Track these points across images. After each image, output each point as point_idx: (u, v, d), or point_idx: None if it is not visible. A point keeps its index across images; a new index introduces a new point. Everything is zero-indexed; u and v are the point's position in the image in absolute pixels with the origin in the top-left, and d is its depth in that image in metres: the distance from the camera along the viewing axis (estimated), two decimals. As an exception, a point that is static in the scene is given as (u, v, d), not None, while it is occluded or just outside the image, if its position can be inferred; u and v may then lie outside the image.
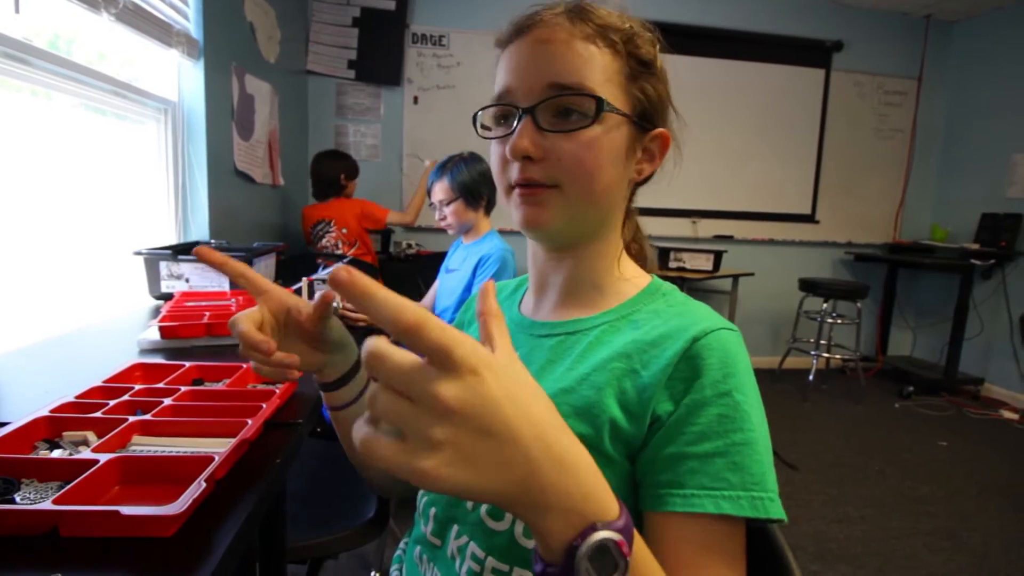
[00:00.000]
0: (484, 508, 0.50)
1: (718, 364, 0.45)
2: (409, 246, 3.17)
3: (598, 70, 0.49)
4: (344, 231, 2.60)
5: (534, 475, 0.29)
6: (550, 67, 0.48)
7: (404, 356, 0.27)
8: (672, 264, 3.15)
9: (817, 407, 3.25)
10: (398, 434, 0.27)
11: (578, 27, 0.49)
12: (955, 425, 3.05)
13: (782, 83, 3.75)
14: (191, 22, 1.87)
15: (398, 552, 0.65)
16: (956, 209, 3.92)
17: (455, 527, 0.53)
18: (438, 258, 2.22)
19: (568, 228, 0.52)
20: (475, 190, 1.77)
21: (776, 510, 0.42)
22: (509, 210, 0.53)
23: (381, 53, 3.29)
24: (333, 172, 2.63)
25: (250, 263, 1.49)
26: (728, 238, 3.80)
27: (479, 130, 0.55)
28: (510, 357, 0.31)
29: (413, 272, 2.85)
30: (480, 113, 0.54)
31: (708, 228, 3.77)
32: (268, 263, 1.71)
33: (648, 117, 0.53)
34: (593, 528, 0.30)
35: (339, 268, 0.26)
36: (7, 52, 1.12)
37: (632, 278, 0.57)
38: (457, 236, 1.89)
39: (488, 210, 1.86)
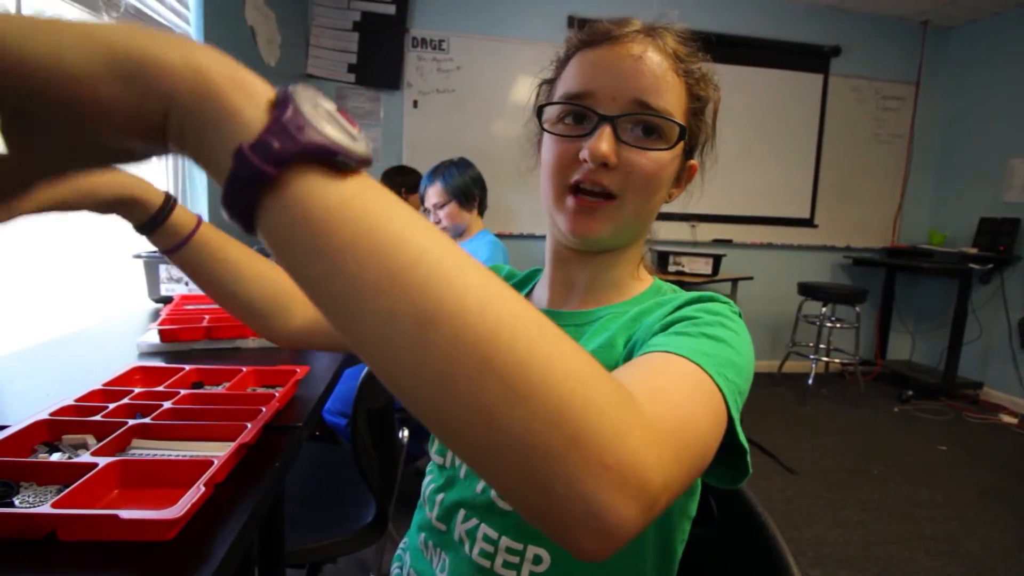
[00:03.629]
0: (493, 492, 0.51)
1: (703, 308, 0.47)
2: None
3: (676, 99, 0.52)
4: None
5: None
6: (639, 84, 0.50)
7: None
8: (671, 268, 3.15)
9: (816, 411, 3.25)
10: None
11: (666, 56, 0.52)
12: (954, 429, 3.04)
13: (780, 88, 3.77)
14: (191, 26, 1.87)
15: (399, 551, 0.65)
16: (954, 213, 3.93)
17: (462, 511, 0.54)
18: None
19: (612, 240, 0.55)
20: (468, 192, 1.80)
21: (728, 386, 0.38)
22: (551, 214, 0.55)
23: (381, 57, 3.30)
24: (392, 185, 2.66)
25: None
26: (727, 242, 3.81)
27: (544, 126, 0.55)
28: None
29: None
30: (553, 110, 0.54)
31: (707, 232, 3.77)
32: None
33: (691, 148, 0.57)
34: (306, 87, 0.23)
35: None
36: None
37: (642, 278, 0.61)
38: (452, 237, 1.91)
39: (481, 211, 1.88)
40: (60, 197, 0.45)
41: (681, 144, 0.53)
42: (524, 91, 3.45)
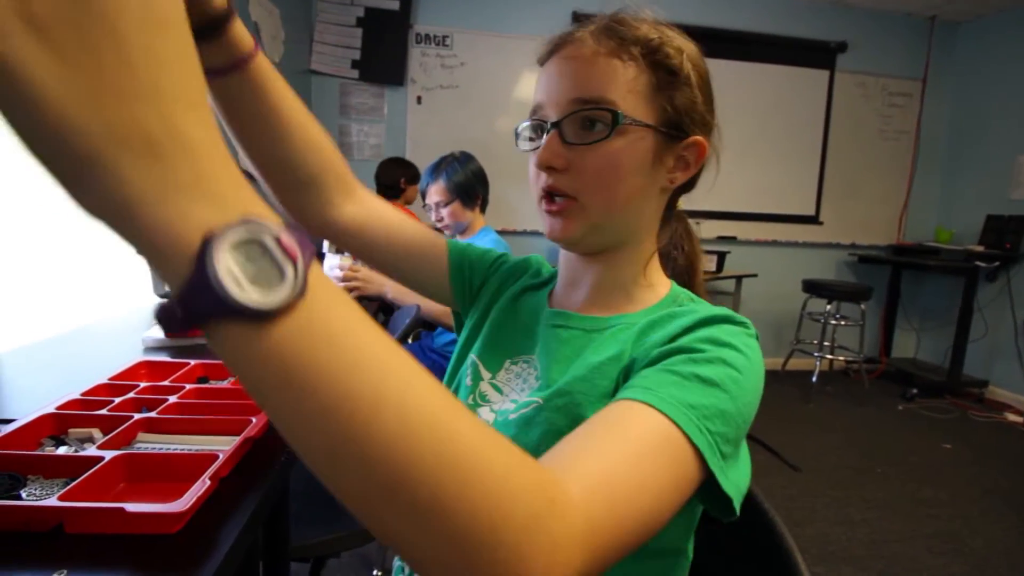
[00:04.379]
0: None
1: (709, 336, 0.45)
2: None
3: (620, 83, 0.50)
4: None
5: (153, 106, 0.21)
6: (574, 82, 0.51)
7: None
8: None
9: (820, 409, 3.25)
10: None
11: (603, 43, 0.51)
12: (959, 428, 3.03)
13: (786, 84, 3.75)
14: (196, 22, 1.87)
15: None
16: (961, 211, 3.91)
17: None
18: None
19: (590, 238, 0.54)
20: (470, 189, 1.78)
21: (709, 447, 0.37)
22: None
23: (385, 53, 3.29)
24: (393, 176, 2.70)
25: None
26: (731, 239, 3.79)
27: (518, 144, 0.58)
28: None
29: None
30: (521, 128, 0.57)
31: (711, 229, 3.76)
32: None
33: (677, 126, 0.53)
34: (243, 218, 0.22)
35: None
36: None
37: (655, 285, 0.58)
38: (453, 235, 1.90)
39: (483, 208, 1.87)
40: None
41: (636, 127, 0.50)
42: (528, 87, 3.44)
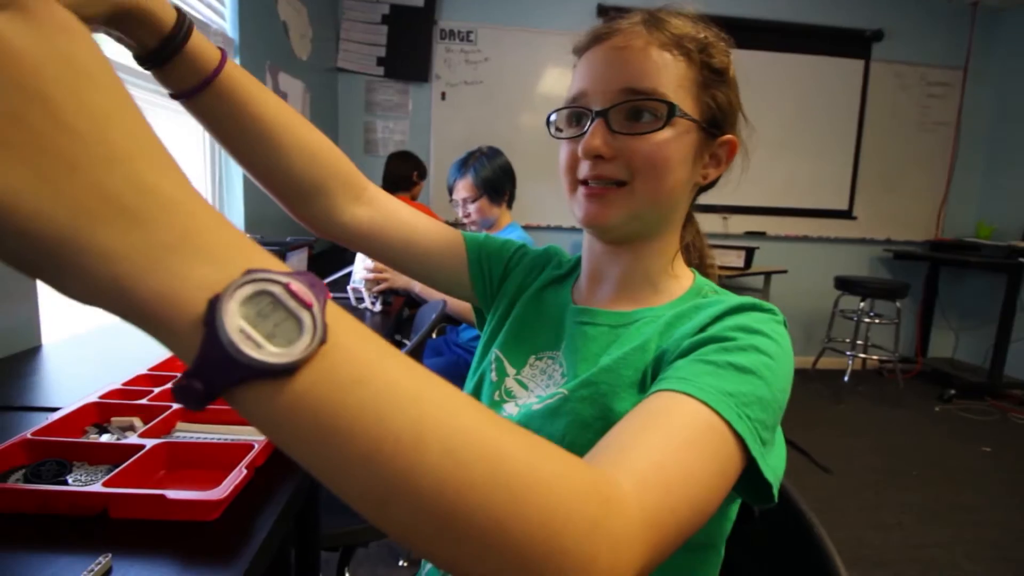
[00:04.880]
0: None
1: (740, 324, 0.45)
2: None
3: (671, 77, 0.51)
4: None
5: (133, 201, 0.19)
6: (625, 72, 0.50)
7: None
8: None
9: (852, 409, 3.16)
10: None
11: (655, 35, 0.51)
12: (999, 431, 2.92)
13: (819, 75, 3.64)
14: (227, 22, 1.91)
15: None
16: (1003, 205, 3.75)
17: None
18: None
19: (629, 225, 0.54)
20: (498, 185, 1.78)
21: (749, 431, 0.37)
22: (571, 207, 0.55)
23: (410, 50, 3.31)
24: (406, 169, 2.73)
25: (284, 257, 1.52)
26: (760, 234, 3.71)
27: (552, 131, 0.57)
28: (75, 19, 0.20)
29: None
30: (554, 115, 0.56)
31: (739, 224, 3.69)
32: (301, 257, 1.74)
33: (717, 123, 0.54)
34: (246, 274, 0.20)
35: None
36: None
37: (679, 277, 0.59)
38: (479, 231, 1.91)
39: (510, 204, 1.87)
40: None
41: (684, 122, 0.51)
42: (552, 82, 3.42)
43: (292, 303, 0.21)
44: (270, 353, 0.20)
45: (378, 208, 0.60)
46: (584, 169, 0.52)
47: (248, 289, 0.20)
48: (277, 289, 0.21)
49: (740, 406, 0.37)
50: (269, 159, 0.51)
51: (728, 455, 0.36)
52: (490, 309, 0.68)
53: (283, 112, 0.51)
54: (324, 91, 3.07)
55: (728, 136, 0.55)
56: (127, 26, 0.41)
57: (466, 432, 0.24)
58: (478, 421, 0.25)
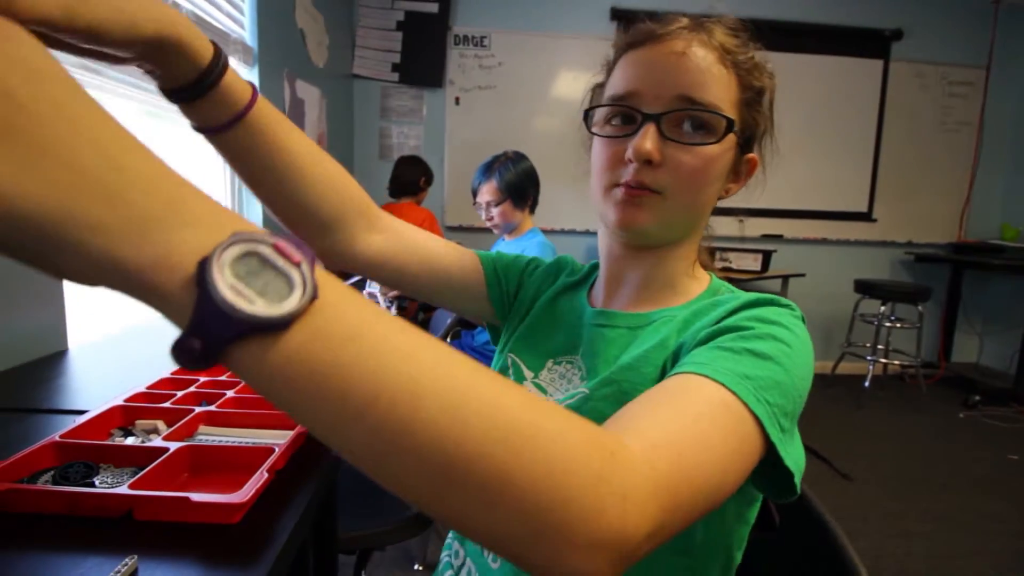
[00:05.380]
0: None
1: (757, 315, 0.45)
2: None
3: (724, 91, 0.51)
4: None
5: (114, 178, 0.20)
6: (683, 80, 0.50)
7: None
8: (717, 264, 3.06)
9: (873, 415, 3.10)
10: None
11: (710, 49, 0.51)
12: (1028, 438, 2.84)
13: (837, 76, 3.59)
14: (246, 31, 1.95)
15: (448, 540, 0.65)
16: (1029, 207, 3.66)
17: None
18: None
19: (659, 232, 0.54)
20: (522, 190, 1.78)
21: (767, 416, 0.36)
22: (601, 208, 0.55)
23: (424, 55, 3.34)
24: (414, 174, 2.76)
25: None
26: (777, 237, 3.67)
27: (590, 127, 0.56)
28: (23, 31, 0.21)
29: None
30: (600, 112, 0.55)
31: (756, 227, 3.65)
32: (318, 263, 1.76)
33: (748, 141, 0.55)
34: (234, 235, 0.21)
35: None
36: (84, 64, 1.19)
37: (698, 278, 0.59)
38: (501, 235, 1.91)
39: (532, 209, 1.87)
40: (95, 19, 0.32)
41: (731, 137, 0.52)
42: (566, 86, 3.42)
43: (280, 261, 0.22)
44: (261, 309, 0.21)
45: (393, 234, 0.60)
46: (628, 173, 0.51)
47: (236, 249, 0.21)
48: (264, 248, 0.22)
49: (758, 389, 0.37)
50: (290, 192, 0.51)
51: (745, 434, 0.35)
52: (506, 321, 0.68)
53: (306, 145, 0.51)
54: (340, 97, 3.11)
55: (752, 155, 0.56)
56: (164, 58, 0.40)
57: (463, 387, 0.24)
58: (474, 377, 0.25)
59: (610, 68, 0.57)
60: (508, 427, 0.25)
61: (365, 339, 0.23)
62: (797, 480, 0.39)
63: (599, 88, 0.60)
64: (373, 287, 1.60)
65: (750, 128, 0.55)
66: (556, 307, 0.64)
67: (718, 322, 0.46)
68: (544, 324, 0.63)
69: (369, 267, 0.59)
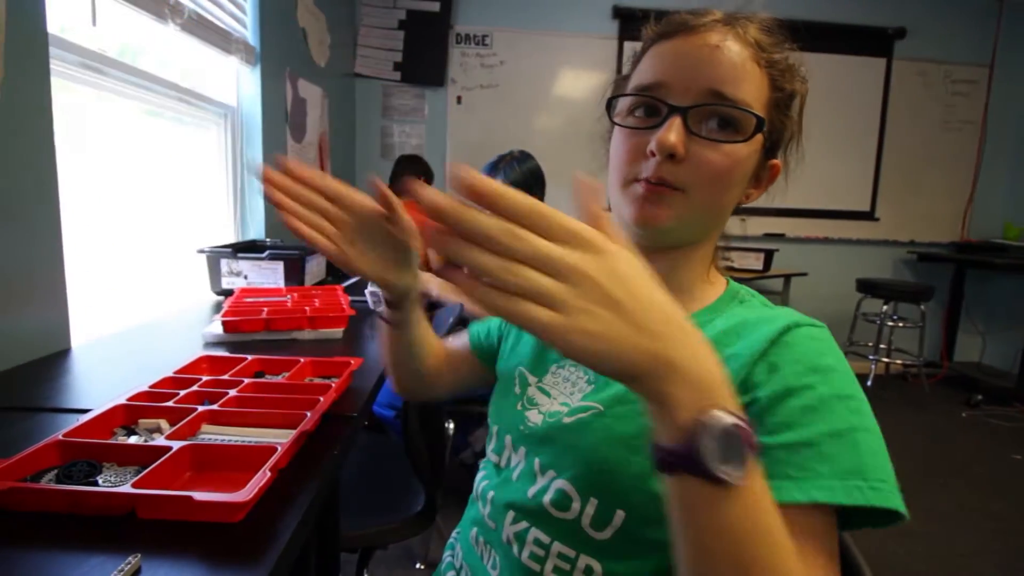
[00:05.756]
0: (548, 497, 0.50)
1: (802, 357, 0.44)
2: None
3: (755, 90, 0.49)
4: None
5: (664, 345, 0.30)
6: (715, 74, 0.48)
7: (540, 239, 0.29)
8: (720, 263, 3.06)
9: (876, 414, 3.07)
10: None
11: (745, 46, 0.49)
12: (1030, 437, 2.84)
13: (839, 74, 3.58)
14: (248, 30, 1.95)
15: (451, 539, 0.65)
16: (1032, 206, 3.65)
17: (512, 513, 0.53)
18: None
19: (678, 232, 0.52)
20: (527, 190, 1.78)
21: (880, 498, 0.38)
22: (617, 203, 0.53)
23: (426, 54, 3.34)
24: (414, 173, 2.77)
25: (303, 261, 1.54)
26: (779, 236, 3.66)
27: (612, 117, 0.54)
28: (628, 245, 0.32)
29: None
30: (624, 102, 0.53)
31: (758, 226, 3.64)
32: (320, 261, 1.77)
33: (772, 146, 0.54)
34: (723, 409, 0.30)
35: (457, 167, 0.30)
36: (85, 62, 1.20)
37: (714, 282, 0.58)
38: None
39: None
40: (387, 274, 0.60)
41: (759, 138, 0.50)
42: (568, 85, 3.42)
43: (743, 444, 0.30)
44: (722, 470, 0.29)
45: (444, 360, 0.75)
46: (649, 167, 0.49)
47: (728, 420, 0.29)
48: (738, 431, 0.30)
49: (844, 477, 0.39)
50: (412, 362, 0.69)
51: (834, 535, 0.40)
52: (499, 355, 0.71)
53: (430, 334, 0.71)
54: (342, 96, 3.11)
55: (775, 161, 0.55)
56: (409, 296, 0.64)
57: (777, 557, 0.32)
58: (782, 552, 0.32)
59: (637, 59, 0.55)
60: None
61: (770, 512, 0.32)
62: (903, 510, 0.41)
63: (623, 80, 0.57)
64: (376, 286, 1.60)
65: (778, 132, 0.53)
66: None
67: (762, 356, 0.44)
68: None
69: (430, 393, 0.76)
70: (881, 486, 0.39)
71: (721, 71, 0.48)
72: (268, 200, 0.54)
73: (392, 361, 0.70)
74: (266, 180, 0.53)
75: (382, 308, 0.65)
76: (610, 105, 0.54)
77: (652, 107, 0.50)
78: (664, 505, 0.41)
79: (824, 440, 0.40)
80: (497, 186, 0.28)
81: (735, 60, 0.48)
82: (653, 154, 0.48)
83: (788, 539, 0.32)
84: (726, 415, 0.29)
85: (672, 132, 0.47)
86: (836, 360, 0.44)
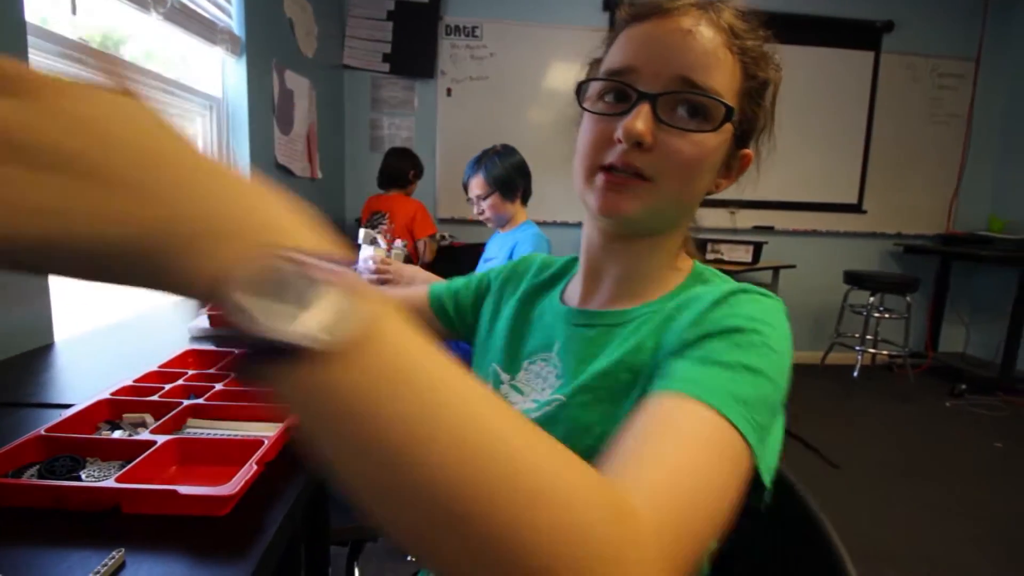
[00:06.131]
0: None
1: (745, 312, 0.44)
2: (443, 237, 3.19)
3: (727, 78, 0.48)
4: (392, 225, 2.68)
5: (179, 205, 0.21)
6: (686, 60, 0.47)
7: None
8: (709, 256, 3.08)
9: (862, 404, 3.14)
10: None
11: (718, 31, 0.48)
12: (1011, 426, 2.89)
13: (828, 67, 3.60)
14: (233, 20, 1.92)
15: None
16: (1016, 198, 3.70)
17: None
18: (471, 249, 2.24)
19: (645, 222, 0.51)
20: (510, 182, 1.78)
21: (748, 430, 0.36)
22: (582, 194, 0.52)
23: (415, 46, 3.30)
24: (404, 166, 2.75)
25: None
26: (768, 229, 3.69)
27: (581, 103, 0.52)
28: (113, 87, 0.24)
29: (447, 263, 2.87)
30: (593, 86, 0.51)
31: (747, 219, 3.66)
32: (308, 254, 1.75)
33: (743, 136, 0.53)
34: (261, 249, 0.21)
35: None
36: (65, 52, 1.17)
37: (679, 267, 0.57)
38: (495, 229, 1.91)
39: (524, 201, 1.88)
40: None
41: (728, 128, 0.49)
42: (558, 77, 3.40)
43: (302, 280, 0.21)
44: (293, 333, 0.21)
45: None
46: (614, 154, 0.48)
47: (255, 266, 0.21)
48: (285, 265, 0.21)
49: (751, 412, 0.37)
50: None
51: (738, 463, 0.36)
52: (473, 342, 0.70)
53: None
54: (330, 88, 3.07)
55: (746, 151, 0.54)
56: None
57: (482, 431, 0.23)
58: (497, 421, 0.24)
59: (609, 42, 0.53)
60: (524, 482, 0.23)
61: (394, 384, 0.22)
62: (768, 488, 0.39)
63: (596, 63, 0.56)
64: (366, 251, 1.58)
65: (749, 121, 0.52)
66: (526, 312, 0.63)
67: (702, 316, 0.44)
68: (518, 330, 0.62)
69: None
70: (758, 431, 0.37)
71: (692, 57, 0.47)
72: None
73: None
74: None
75: None
76: (581, 89, 0.52)
77: (621, 93, 0.49)
78: None
79: (736, 368, 0.39)
80: None
81: (707, 46, 0.47)
82: (620, 141, 0.47)
83: (491, 401, 0.24)
84: (266, 252, 0.21)
85: (639, 119, 0.46)
86: (777, 323, 0.44)
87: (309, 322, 0.20)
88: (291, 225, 0.23)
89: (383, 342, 0.22)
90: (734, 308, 0.44)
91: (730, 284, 0.49)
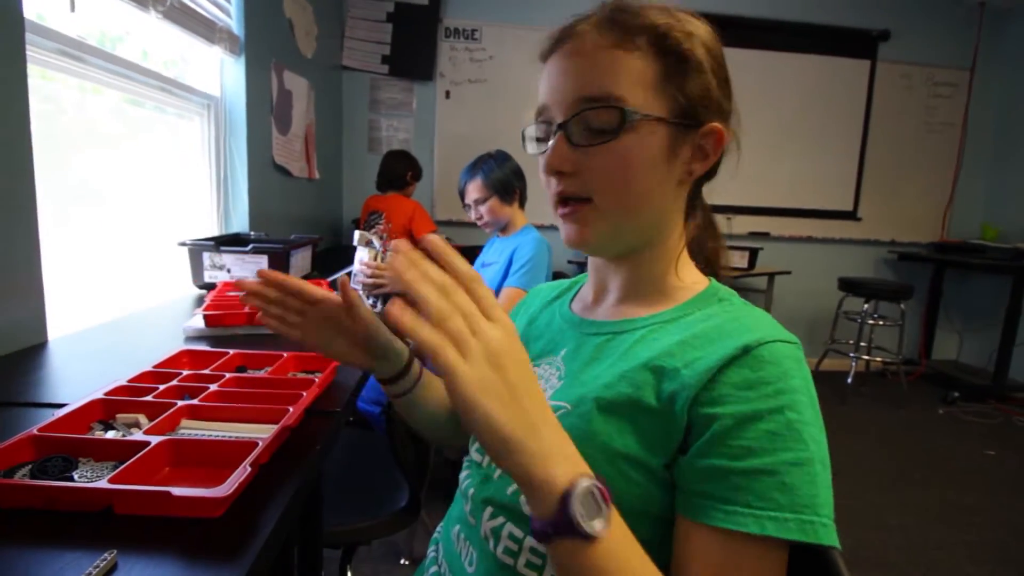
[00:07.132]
0: (522, 497, 0.50)
1: (771, 378, 0.43)
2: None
3: (626, 76, 0.47)
4: (389, 225, 2.67)
5: (539, 426, 0.35)
6: (578, 80, 0.49)
7: (465, 296, 0.34)
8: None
9: (855, 411, 3.15)
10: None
11: (605, 35, 0.48)
12: (1003, 434, 2.91)
13: (824, 75, 3.62)
14: (233, 19, 1.91)
15: (435, 535, 0.65)
16: (1009, 207, 3.73)
17: (489, 508, 0.53)
18: (469, 252, 2.23)
19: (611, 241, 0.53)
20: (507, 185, 1.78)
21: (828, 536, 0.41)
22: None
23: (414, 48, 3.31)
24: (402, 168, 2.75)
25: (287, 255, 1.53)
26: (764, 235, 3.70)
27: (526, 149, 0.56)
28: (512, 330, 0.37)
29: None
30: (528, 131, 0.55)
31: (743, 225, 3.68)
32: (304, 255, 1.75)
33: (692, 115, 0.50)
34: (582, 476, 0.35)
35: (428, 238, 0.37)
36: (63, 49, 1.17)
37: (691, 284, 0.56)
38: (494, 232, 1.91)
39: (522, 204, 1.87)
40: (351, 353, 0.61)
41: (647, 122, 0.47)
42: (557, 81, 3.41)
43: (601, 500, 0.35)
44: (590, 527, 0.34)
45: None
46: (551, 187, 0.51)
47: (587, 483, 0.35)
48: (595, 489, 0.35)
49: (799, 510, 0.41)
50: (436, 420, 0.69)
51: (781, 566, 0.43)
52: None
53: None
54: (329, 89, 3.07)
55: (711, 125, 0.50)
56: (387, 358, 0.62)
57: None
58: None
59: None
60: None
61: (631, 557, 0.37)
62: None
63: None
64: (356, 286, 1.59)
65: (681, 102, 0.49)
66: (534, 326, 0.66)
67: (722, 372, 0.43)
68: (525, 336, 0.65)
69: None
70: (829, 523, 0.41)
71: (583, 75, 0.48)
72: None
73: (418, 427, 0.71)
74: (248, 293, 0.62)
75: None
76: (524, 136, 0.56)
77: (545, 129, 0.52)
78: (634, 501, 0.45)
79: (784, 469, 0.41)
80: (453, 255, 0.35)
81: (591, 59, 0.48)
82: (549, 175, 0.51)
83: (650, 565, 0.38)
84: (585, 479, 0.35)
85: (553, 152, 0.49)
86: (803, 382, 0.45)
87: (596, 524, 0.35)
88: (576, 453, 0.37)
89: (616, 530, 0.37)
90: (758, 373, 0.43)
91: (753, 320, 0.48)
